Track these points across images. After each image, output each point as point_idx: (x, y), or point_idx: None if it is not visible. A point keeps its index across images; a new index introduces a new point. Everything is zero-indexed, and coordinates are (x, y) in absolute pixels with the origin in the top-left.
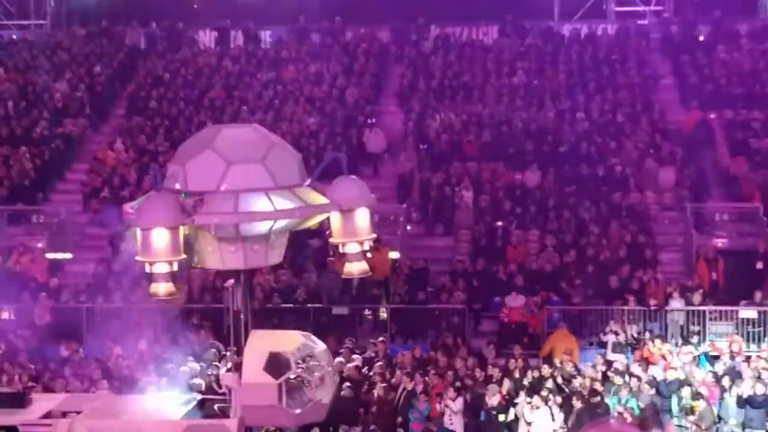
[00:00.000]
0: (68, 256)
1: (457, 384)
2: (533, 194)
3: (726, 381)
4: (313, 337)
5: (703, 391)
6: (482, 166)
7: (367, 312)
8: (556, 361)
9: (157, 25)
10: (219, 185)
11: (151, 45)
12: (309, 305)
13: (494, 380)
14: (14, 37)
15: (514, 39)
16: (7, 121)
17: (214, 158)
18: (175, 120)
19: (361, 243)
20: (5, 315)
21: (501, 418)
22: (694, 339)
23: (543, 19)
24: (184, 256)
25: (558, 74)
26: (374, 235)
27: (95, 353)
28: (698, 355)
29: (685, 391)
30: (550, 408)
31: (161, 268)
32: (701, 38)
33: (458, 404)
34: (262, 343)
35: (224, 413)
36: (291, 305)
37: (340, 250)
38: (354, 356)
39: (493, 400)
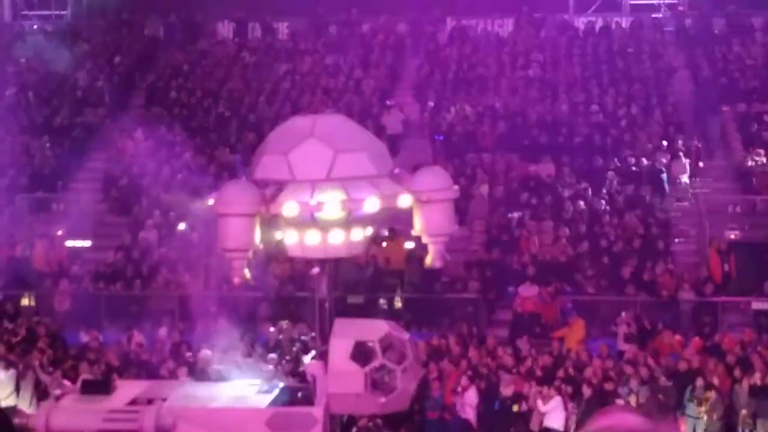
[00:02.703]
0: (87, 243)
1: (470, 373)
2: (547, 185)
3: (737, 372)
4: (398, 326)
5: (715, 381)
6: (497, 157)
7: (382, 301)
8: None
9: (176, 16)
10: (329, 173)
11: (170, 36)
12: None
13: (508, 370)
14: (35, 27)
15: (529, 31)
16: (28, 111)
17: (319, 147)
18: (193, 110)
19: (443, 234)
20: (25, 302)
21: (515, 408)
22: (706, 330)
23: (558, 11)
24: (259, 244)
25: (573, 67)
26: (456, 227)
27: (114, 340)
28: (710, 346)
29: (697, 382)
30: (562, 397)
31: (238, 255)
32: (716, 31)
33: (472, 393)
34: (347, 331)
35: (308, 401)
36: (306, 294)
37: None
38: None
39: (507, 389)
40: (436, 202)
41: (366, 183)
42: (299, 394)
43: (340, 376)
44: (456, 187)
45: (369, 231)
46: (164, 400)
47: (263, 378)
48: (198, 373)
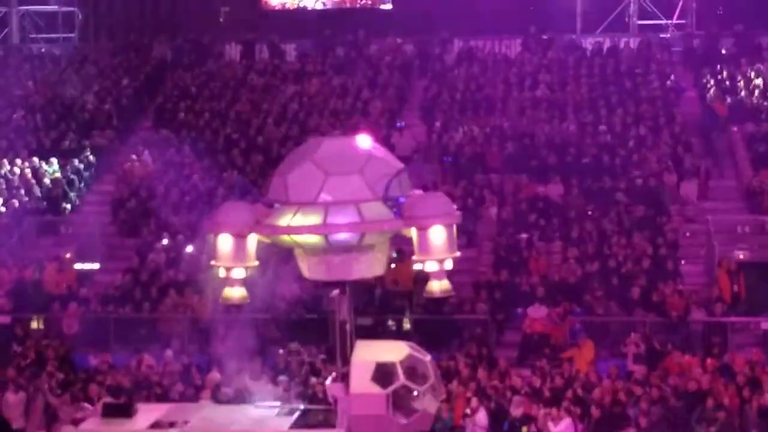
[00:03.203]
0: (96, 266)
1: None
2: (556, 206)
3: (746, 392)
4: (419, 348)
5: (725, 402)
6: (505, 178)
7: (390, 323)
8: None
9: (183, 38)
10: (317, 196)
11: (177, 58)
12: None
13: (518, 391)
14: (43, 50)
15: (537, 52)
16: (36, 134)
17: (313, 170)
18: (201, 132)
19: (441, 261)
20: (34, 324)
21: (524, 429)
22: (716, 351)
23: (565, 32)
24: (255, 263)
25: (580, 87)
26: (457, 254)
27: (123, 362)
28: (719, 367)
29: (707, 402)
30: (572, 419)
31: (238, 273)
32: (724, 51)
33: (482, 414)
34: (368, 353)
35: (329, 423)
36: (315, 315)
37: (420, 267)
38: None
39: (516, 411)
40: (437, 227)
41: (352, 208)
42: (320, 417)
43: (361, 398)
44: (459, 212)
45: (389, 252)
46: (186, 423)
47: (279, 399)
48: (219, 395)
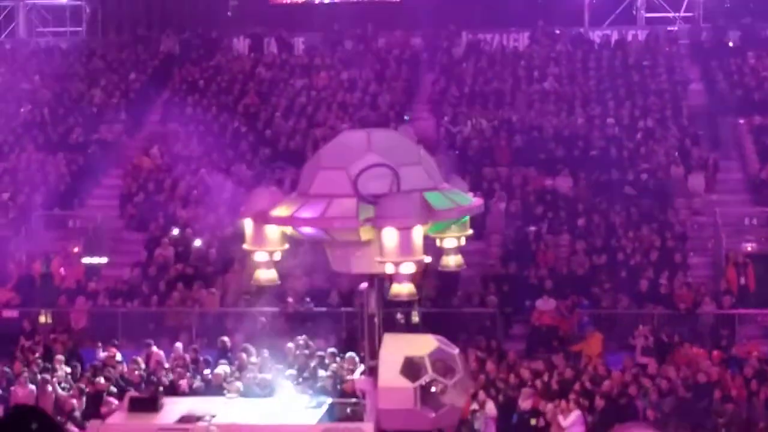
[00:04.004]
0: (104, 260)
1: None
2: (564, 199)
3: (754, 384)
4: (447, 341)
5: (733, 394)
6: (513, 171)
7: (399, 316)
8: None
9: (191, 32)
10: (391, 188)
11: (185, 52)
12: (342, 309)
13: (526, 383)
14: (50, 44)
15: (545, 45)
16: (44, 128)
17: (379, 161)
18: (209, 126)
19: (458, 238)
20: (43, 319)
21: (533, 421)
22: (724, 343)
23: (573, 25)
24: (286, 245)
25: (588, 80)
26: (469, 232)
27: (131, 356)
28: (727, 359)
29: (715, 394)
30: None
31: (261, 256)
32: (731, 44)
33: (490, 405)
34: (396, 346)
35: (358, 416)
36: (324, 309)
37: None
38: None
39: (525, 403)
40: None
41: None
42: (348, 410)
43: (390, 391)
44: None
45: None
46: (213, 416)
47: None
48: (247, 389)
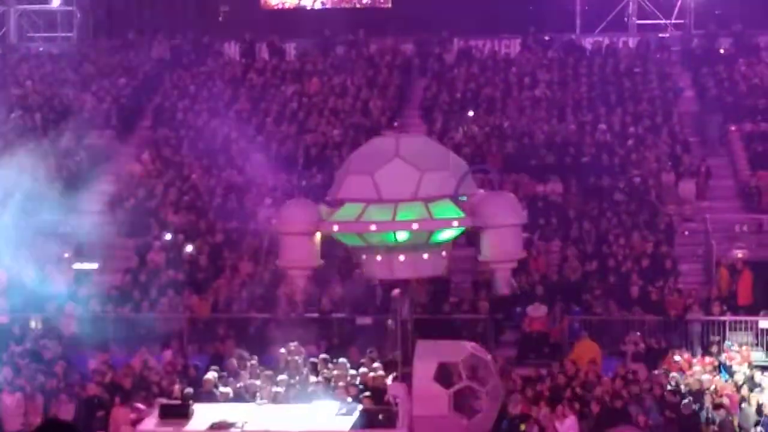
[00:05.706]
0: (95, 266)
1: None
2: (555, 205)
3: (745, 390)
4: (480, 348)
5: (724, 400)
6: (504, 177)
7: (390, 322)
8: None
9: (183, 37)
10: (415, 193)
11: (176, 57)
12: (333, 315)
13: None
14: (41, 49)
15: (536, 52)
16: (34, 133)
17: (405, 166)
18: (200, 132)
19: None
20: (33, 324)
21: (522, 427)
22: (714, 349)
23: (565, 31)
24: (321, 261)
25: (580, 86)
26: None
27: (122, 363)
28: (718, 365)
29: (706, 401)
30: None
31: (297, 273)
32: (722, 51)
33: None
34: (430, 353)
35: (390, 422)
36: (315, 315)
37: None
38: (375, 365)
39: (515, 409)
40: (504, 227)
41: (449, 202)
42: (380, 417)
43: (424, 398)
44: (525, 212)
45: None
46: (245, 423)
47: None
48: (275, 395)
